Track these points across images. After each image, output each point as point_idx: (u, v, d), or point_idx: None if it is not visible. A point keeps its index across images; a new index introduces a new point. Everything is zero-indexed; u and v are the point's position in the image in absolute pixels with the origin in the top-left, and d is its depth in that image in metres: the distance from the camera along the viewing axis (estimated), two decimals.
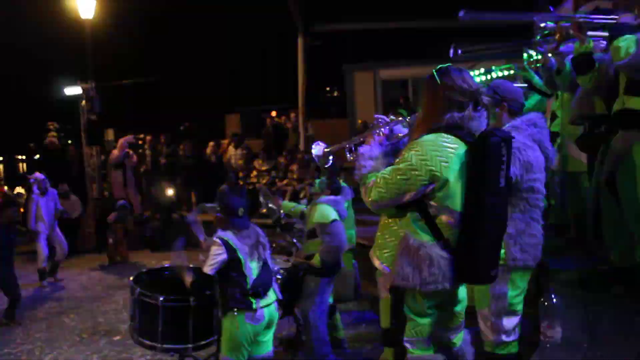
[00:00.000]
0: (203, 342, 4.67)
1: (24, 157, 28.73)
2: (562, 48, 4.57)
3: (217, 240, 4.19)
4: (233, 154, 13.94)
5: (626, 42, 3.69)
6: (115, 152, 12.89)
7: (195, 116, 26.68)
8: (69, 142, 15.51)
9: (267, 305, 4.26)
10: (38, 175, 9.72)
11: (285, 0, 13.05)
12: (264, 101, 22.97)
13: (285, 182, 12.02)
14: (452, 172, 2.58)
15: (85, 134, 12.93)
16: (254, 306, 4.13)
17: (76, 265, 10.61)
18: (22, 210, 11.93)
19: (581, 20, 4.07)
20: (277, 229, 7.13)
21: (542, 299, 3.29)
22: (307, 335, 5.22)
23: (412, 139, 2.74)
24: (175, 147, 13.93)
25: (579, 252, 4.97)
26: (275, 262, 5.16)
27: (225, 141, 15.07)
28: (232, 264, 4.15)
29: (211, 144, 14.46)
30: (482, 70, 5.88)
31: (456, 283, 2.69)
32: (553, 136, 4.99)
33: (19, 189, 15.22)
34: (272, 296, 4.34)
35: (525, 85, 5.71)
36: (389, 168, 2.69)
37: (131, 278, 4.91)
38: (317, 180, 5.34)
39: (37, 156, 14.67)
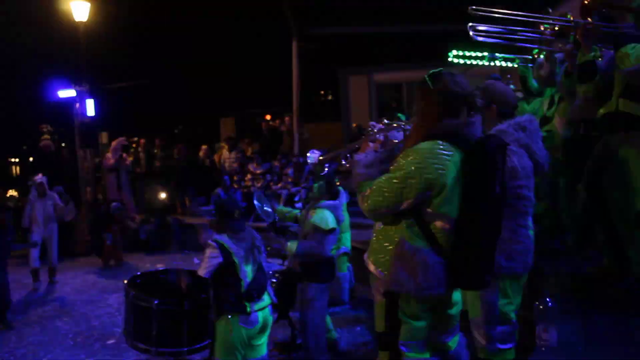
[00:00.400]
0: (197, 346, 4.67)
1: (17, 159, 28.63)
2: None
3: (212, 243, 4.20)
4: (227, 157, 13.94)
5: (635, 50, 3.73)
6: (109, 155, 12.87)
7: (190, 120, 26.72)
8: (63, 145, 15.47)
9: (261, 309, 4.27)
10: (38, 177, 9.73)
11: (279, 4, 13.07)
12: (259, 105, 22.97)
13: (280, 185, 12.02)
14: (449, 180, 2.58)
15: (79, 137, 12.89)
16: (248, 309, 4.15)
17: (70, 268, 10.56)
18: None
19: (588, 27, 4.05)
20: (271, 233, 7.12)
21: (537, 303, 3.29)
22: (305, 342, 5.19)
23: (408, 145, 2.72)
24: (170, 151, 13.92)
25: (574, 256, 4.98)
26: (270, 266, 5.16)
27: (221, 144, 15.08)
28: (227, 267, 4.16)
29: (204, 147, 14.45)
30: (486, 53, 5.83)
31: (451, 288, 2.69)
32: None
33: (12, 192, 15.15)
34: (266, 300, 4.35)
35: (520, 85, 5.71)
36: (385, 176, 2.67)
37: (125, 281, 4.89)
38: (316, 185, 5.30)
39: (31, 159, 14.61)
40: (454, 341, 2.92)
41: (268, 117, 19.53)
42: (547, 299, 3.21)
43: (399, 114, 9.00)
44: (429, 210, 2.62)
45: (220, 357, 4.19)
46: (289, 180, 12.02)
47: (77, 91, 12.70)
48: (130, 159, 13.39)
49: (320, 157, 3.15)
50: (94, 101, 12.96)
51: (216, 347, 4.25)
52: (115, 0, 19.24)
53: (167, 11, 22.78)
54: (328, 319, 5.77)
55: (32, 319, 7.69)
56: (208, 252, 4.20)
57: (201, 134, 21.05)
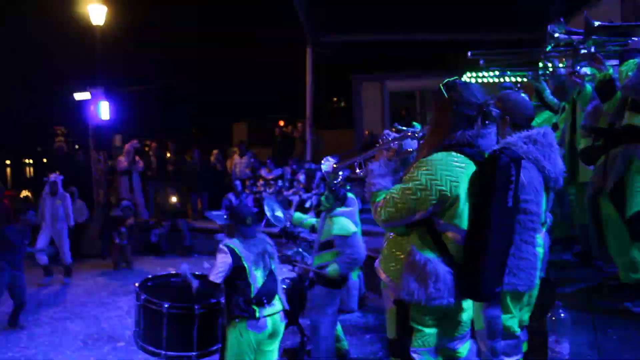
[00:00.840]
0: (207, 351, 4.66)
1: (31, 161, 28.91)
2: (578, 69, 4.60)
3: (224, 247, 4.23)
4: (238, 162, 13.98)
5: (627, 67, 3.82)
6: (122, 158, 12.96)
7: (203, 124, 26.87)
8: (77, 147, 15.60)
9: (272, 315, 4.27)
10: (53, 175, 9.88)
11: (294, 11, 13.12)
12: (272, 110, 23.05)
13: (291, 191, 12.03)
14: (462, 192, 2.56)
15: (93, 140, 12.99)
16: (257, 315, 4.16)
17: (81, 270, 10.61)
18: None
19: (595, 51, 4.10)
20: (282, 239, 7.13)
21: (549, 314, 3.26)
22: (316, 347, 5.20)
23: (421, 156, 2.70)
24: (182, 154, 13.98)
25: (586, 267, 4.95)
26: (281, 272, 5.15)
27: (233, 149, 15.12)
28: (237, 271, 4.20)
29: (215, 152, 14.50)
30: (497, 72, 5.82)
31: (460, 297, 2.67)
32: None
33: (26, 192, 15.29)
34: (277, 306, 4.35)
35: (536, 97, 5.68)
36: (398, 186, 2.66)
37: (137, 284, 4.91)
38: (323, 198, 5.38)
39: (45, 160, 14.74)
40: (464, 348, 2.90)
41: (281, 123, 19.59)
42: (560, 310, 3.18)
43: (414, 122, 8.99)
44: (441, 221, 2.61)
45: None
46: (301, 186, 12.03)
47: (92, 94, 12.81)
48: (143, 162, 13.45)
49: (335, 165, 3.12)
50: (109, 104, 13.07)
51: (226, 351, 4.26)
52: (132, 5, 19.42)
53: (182, 16, 22.95)
54: (339, 328, 5.77)
55: (42, 320, 7.74)
56: (219, 257, 4.23)
57: (214, 139, 21.14)
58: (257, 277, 4.24)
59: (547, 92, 5.53)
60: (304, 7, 13.07)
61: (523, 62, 5.36)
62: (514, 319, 3.19)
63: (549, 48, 4.91)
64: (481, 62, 5.28)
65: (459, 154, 2.59)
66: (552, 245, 3.31)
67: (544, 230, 3.24)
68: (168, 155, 14.31)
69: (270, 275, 4.37)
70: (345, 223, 5.27)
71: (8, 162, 33.79)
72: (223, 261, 4.20)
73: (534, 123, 5.36)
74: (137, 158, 13.07)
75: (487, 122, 2.64)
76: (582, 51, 4.38)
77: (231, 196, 11.90)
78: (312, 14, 13.55)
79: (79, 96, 12.84)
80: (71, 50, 19.20)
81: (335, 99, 28.50)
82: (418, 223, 2.65)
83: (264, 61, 24.34)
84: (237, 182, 12.32)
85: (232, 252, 4.22)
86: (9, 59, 22.68)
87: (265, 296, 4.24)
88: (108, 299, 8.64)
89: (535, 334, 3.50)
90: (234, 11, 22.80)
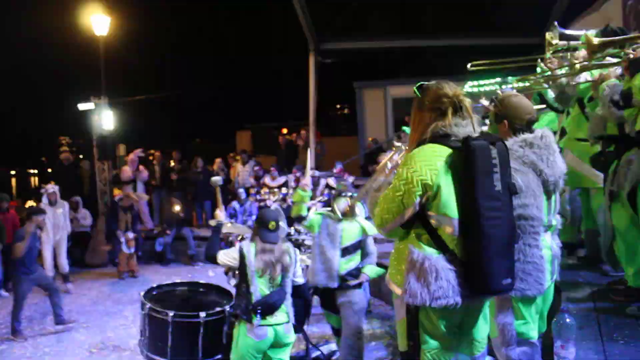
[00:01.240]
0: (212, 358, 4.66)
1: (36, 171, 29.02)
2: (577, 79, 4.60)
3: (238, 247, 4.36)
4: (241, 170, 14.00)
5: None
6: (126, 167, 13.00)
7: (207, 133, 26.95)
8: (81, 156, 15.67)
9: (273, 325, 4.24)
10: (50, 186, 9.94)
11: (297, 19, 13.16)
12: (275, 118, 23.11)
13: None
14: (443, 179, 2.57)
15: (97, 149, 13.04)
16: (253, 321, 4.16)
17: (86, 279, 10.64)
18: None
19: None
20: None
21: (555, 319, 3.24)
22: (356, 352, 5.23)
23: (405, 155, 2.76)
24: (186, 163, 14.01)
25: (592, 271, 4.93)
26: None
27: (239, 157, 15.16)
28: (242, 275, 4.28)
29: (217, 160, 14.52)
30: (499, 79, 5.82)
31: (469, 297, 2.59)
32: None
33: (31, 202, 15.34)
34: (281, 317, 4.29)
35: (539, 99, 5.68)
36: (387, 190, 2.70)
37: (142, 293, 4.92)
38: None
39: (50, 170, 14.80)
40: None
41: (284, 130, 19.62)
42: (565, 315, 3.16)
43: (404, 127, 8.99)
44: (431, 213, 2.60)
45: None
46: None
47: (95, 104, 12.87)
48: (147, 171, 13.48)
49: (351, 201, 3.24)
50: (112, 114, 13.12)
51: (232, 349, 4.30)
52: (135, 15, 19.53)
53: (185, 26, 23.06)
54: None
55: (48, 329, 7.75)
56: (232, 252, 4.37)
57: (218, 147, 21.19)
58: (259, 286, 4.24)
59: (550, 94, 5.52)
60: (306, 15, 13.11)
61: (522, 68, 5.37)
62: (528, 324, 3.13)
63: (548, 55, 4.93)
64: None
65: (435, 145, 2.62)
66: (560, 248, 3.27)
67: (550, 232, 3.20)
68: (172, 164, 14.34)
69: (280, 289, 4.31)
70: (366, 223, 5.45)
71: (13, 172, 33.94)
72: (233, 256, 4.32)
73: (539, 124, 5.39)
74: (141, 167, 13.10)
75: (459, 112, 2.68)
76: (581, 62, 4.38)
77: (235, 204, 11.90)
78: (315, 22, 13.59)
79: (83, 106, 12.91)
80: (75, 60, 19.32)
81: (338, 106, 28.57)
82: (414, 223, 2.65)
83: (267, 69, 24.45)
84: (241, 190, 12.33)
85: (242, 254, 4.27)
86: (13, 70, 22.83)
87: (262, 306, 4.19)
88: (113, 308, 8.64)
89: (541, 339, 3.48)
90: (238, 21, 22.93)
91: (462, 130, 2.64)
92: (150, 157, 14.61)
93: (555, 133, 5.66)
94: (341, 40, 14.28)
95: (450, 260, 2.58)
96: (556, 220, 3.24)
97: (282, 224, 6.36)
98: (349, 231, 5.38)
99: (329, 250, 5.31)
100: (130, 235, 10.88)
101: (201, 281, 5.42)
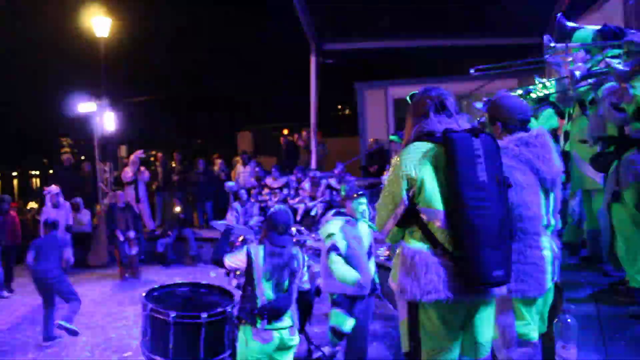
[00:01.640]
0: (214, 359, 4.66)
1: (37, 172, 29.06)
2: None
3: (245, 249, 4.26)
4: (242, 171, 14.01)
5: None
6: (128, 168, 13.02)
7: (208, 134, 26.95)
8: (82, 158, 15.69)
9: (278, 329, 4.17)
10: (52, 188, 9.96)
11: (297, 19, 13.17)
12: (276, 119, 23.12)
13: (296, 200, 12.04)
14: (426, 172, 2.63)
15: (99, 150, 13.06)
16: (258, 325, 4.09)
17: (87, 280, 10.65)
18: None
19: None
20: None
21: (556, 320, 3.24)
22: (363, 353, 5.22)
23: None
24: (188, 164, 14.02)
25: (593, 271, 4.93)
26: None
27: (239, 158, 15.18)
28: (248, 278, 4.19)
29: (218, 161, 14.54)
30: (521, 92, 5.78)
31: (461, 293, 2.60)
32: (565, 155, 5.02)
33: (32, 204, 15.36)
34: (286, 321, 4.23)
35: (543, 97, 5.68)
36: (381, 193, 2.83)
37: (143, 294, 4.92)
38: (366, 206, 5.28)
39: (51, 171, 14.81)
40: None
41: (285, 131, 19.63)
42: (567, 315, 3.16)
43: (392, 137, 9.01)
44: (420, 207, 2.65)
45: None
46: (306, 194, 12.03)
47: (97, 105, 12.89)
48: (148, 172, 13.50)
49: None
50: (114, 115, 13.14)
51: (237, 353, 4.26)
52: (136, 17, 19.55)
53: (186, 27, 23.07)
54: None
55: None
56: (238, 253, 4.28)
57: (219, 148, 21.21)
58: (266, 290, 4.15)
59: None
60: (306, 16, 13.12)
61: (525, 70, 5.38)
62: (529, 325, 3.13)
63: (546, 56, 4.94)
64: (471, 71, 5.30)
65: (419, 142, 2.72)
66: (560, 249, 3.26)
67: (549, 232, 3.20)
68: (173, 165, 14.36)
69: (285, 293, 4.23)
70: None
71: (15, 173, 33.98)
72: (239, 258, 4.24)
73: (538, 121, 5.39)
74: (142, 168, 13.12)
75: (443, 111, 2.78)
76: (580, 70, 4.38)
77: (236, 205, 11.91)
78: (315, 22, 13.60)
79: (84, 108, 12.93)
80: (76, 62, 19.34)
81: (339, 106, 28.58)
82: (408, 221, 2.70)
83: (268, 70, 24.47)
84: (243, 191, 12.34)
85: (249, 257, 4.19)
86: (14, 71, 22.86)
87: (268, 312, 4.12)
88: (115, 309, 8.65)
89: (542, 339, 3.48)
90: (238, 21, 22.94)
91: (443, 127, 2.69)
92: (152, 158, 14.63)
93: (555, 130, 5.67)
94: (342, 41, 14.28)
95: (441, 254, 2.61)
96: (555, 220, 3.24)
97: (293, 228, 6.35)
98: (365, 233, 5.20)
99: (361, 256, 5.03)
100: (132, 234, 10.88)
101: (202, 282, 5.42)
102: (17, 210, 13.72)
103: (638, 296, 4.04)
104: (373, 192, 10.52)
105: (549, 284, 3.14)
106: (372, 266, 5.17)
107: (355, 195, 5.11)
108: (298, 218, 11.37)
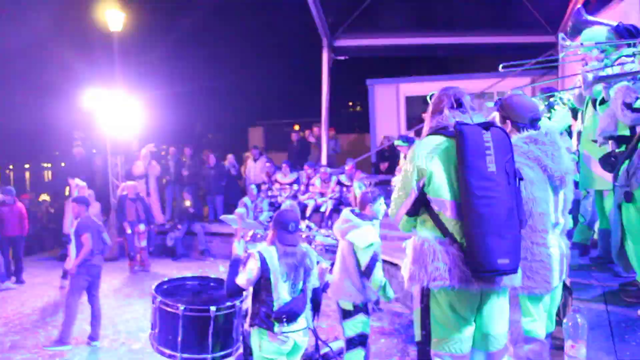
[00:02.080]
0: (222, 353, 4.68)
1: (49, 164, 29.26)
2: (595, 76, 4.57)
3: (256, 254, 4.00)
4: (253, 166, 14.03)
5: None
6: (139, 162, 13.07)
7: (219, 129, 27.00)
8: (94, 151, 15.76)
9: (294, 332, 4.05)
10: (78, 181, 10.09)
11: (310, 15, 13.16)
12: (288, 115, 23.11)
13: (306, 195, 12.04)
14: (436, 164, 2.74)
15: (110, 144, 13.11)
16: (275, 329, 3.96)
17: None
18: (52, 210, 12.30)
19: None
20: None
21: (566, 319, 3.23)
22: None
23: None
24: (199, 159, 14.06)
25: (604, 272, 4.90)
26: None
27: (248, 154, 15.21)
28: (263, 282, 3.96)
29: (229, 156, 14.58)
30: (543, 107, 5.75)
31: (468, 281, 2.66)
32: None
33: (44, 196, 15.49)
34: (301, 323, 4.12)
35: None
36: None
37: (153, 286, 4.94)
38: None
39: (62, 164, 14.90)
40: None
41: (296, 127, 19.63)
42: (576, 315, 3.14)
43: (396, 141, 8.99)
44: (430, 197, 2.75)
45: None
46: (316, 190, 12.03)
47: (109, 99, 12.91)
48: (159, 166, 13.54)
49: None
50: (126, 109, 13.16)
51: (253, 356, 4.16)
52: (149, 11, 19.60)
53: (198, 21, 23.10)
54: None
55: (60, 321, 7.80)
56: (249, 262, 3.99)
57: (230, 143, 21.24)
58: (283, 293, 3.98)
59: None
60: (319, 12, 13.10)
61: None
62: (535, 322, 3.15)
63: (561, 55, 4.92)
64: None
65: (433, 136, 2.84)
66: (570, 249, 3.26)
67: (557, 230, 3.20)
68: (184, 159, 14.40)
69: (301, 293, 4.08)
70: None
71: (27, 165, 34.22)
72: (252, 267, 3.95)
73: (553, 119, 5.36)
74: (153, 162, 13.16)
75: (458, 107, 2.86)
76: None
77: (247, 200, 11.94)
78: (328, 18, 13.58)
79: (96, 101, 12.96)
80: (89, 55, 19.43)
81: (350, 103, 28.54)
82: (419, 210, 2.82)
83: (280, 66, 24.45)
84: (253, 187, 12.36)
85: (263, 260, 3.95)
86: (27, 64, 23.01)
87: (287, 315, 3.96)
88: (124, 302, 8.71)
89: (551, 339, 3.47)
90: (250, 16, 22.94)
91: (461, 121, 2.77)
92: (163, 153, 14.67)
93: (570, 127, 5.64)
94: (354, 37, 14.25)
95: (450, 243, 2.70)
96: (564, 219, 3.24)
97: (302, 224, 6.32)
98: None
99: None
100: (141, 228, 10.93)
101: (212, 276, 5.44)
102: (29, 202, 13.87)
103: None
104: (383, 190, 10.52)
105: (556, 282, 3.16)
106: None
107: (374, 198, 5.03)
108: (308, 214, 11.39)
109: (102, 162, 13.71)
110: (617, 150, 4.38)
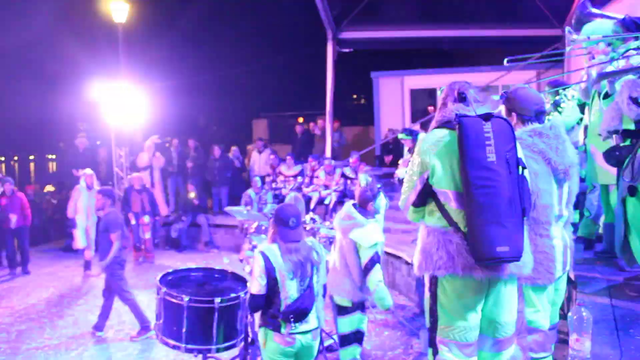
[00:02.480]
0: (226, 344, 4.69)
1: (54, 156, 29.33)
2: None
3: (259, 255, 3.84)
4: (257, 158, 14.03)
5: None
6: (143, 154, 13.08)
7: (223, 121, 27.00)
8: (98, 142, 15.78)
9: (302, 332, 3.86)
10: (87, 170, 10.20)
11: (315, 7, 13.11)
12: (292, 107, 23.08)
13: (310, 188, 12.04)
14: (439, 156, 2.80)
15: (115, 135, 13.13)
16: (282, 330, 3.80)
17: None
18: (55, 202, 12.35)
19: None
20: None
21: (570, 313, 3.23)
22: None
23: None
24: (203, 151, 14.06)
25: (609, 266, 4.89)
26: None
27: (251, 147, 15.21)
28: (270, 282, 3.80)
29: (233, 148, 14.57)
30: (549, 106, 5.73)
31: (471, 270, 2.71)
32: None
33: (49, 187, 15.53)
34: (312, 322, 3.92)
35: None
36: None
37: (157, 278, 4.96)
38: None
39: (67, 156, 14.92)
40: (506, 353, 2.91)
41: (301, 119, 19.61)
42: (581, 309, 3.14)
43: (400, 135, 8.96)
44: (435, 189, 2.83)
45: None
46: (320, 183, 12.03)
47: (114, 90, 12.92)
48: (163, 158, 13.55)
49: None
50: (131, 100, 13.16)
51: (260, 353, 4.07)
52: (154, 3, 19.57)
53: (203, 13, 23.06)
54: None
55: (65, 312, 7.86)
56: (255, 266, 3.84)
57: (234, 135, 21.24)
58: (290, 291, 3.80)
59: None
60: (324, 4, 13.06)
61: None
62: (539, 312, 3.18)
63: (568, 49, 4.90)
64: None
65: (437, 129, 2.91)
66: (575, 243, 3.27)
67: (560, 222, 3.22)
68: (187, 151, 14.40)
69: (308, 290, 3.86)
70: None
71: (32, 157, 34.36)
72: (258, 270, 3.78)
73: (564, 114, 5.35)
74: (157, 154, 13.18)
75: (462, 101, 2.91)
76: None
77: (251, 193, 11.95)
78: (333, 10, 13.53)
79: (101, 93, 12.97)
80: (94, 47, 19.43)
81: (355, 95, 28.49)
82: (426, 201, 2.90)
83: (284, 58, 24.41)
84: (257, 179, 12.37)
85: (267, 259, 3.78)
86: (31, 56, 23.04)
87: (294, 314, 3.78)
88: None
89: (556, 333, 3.47)
90: (255, 8, 22.89)
91: (463, 114, 2.82)
92: (167, 145, 14.68)
93: (581, 120, 5.63)
94: (359, 29, 14.20)
95: (454, 232, 2.78)
96: (568, 212, 3.26)
97: (303, 217, 6.28)
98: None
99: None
100: (145, 219, 10.94)
101: (216, 267, 5.45)
102: (34, 193, 13.91)
103: None
104: (387, 182, 10.51)
105: (559, 273, 3.20)
106: None
107: (376, 193, 4.98)
108: (312, 206, 11.39)
109: (107, 153, 13.73)
110: (621, 144, 4.36)
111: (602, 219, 5.44)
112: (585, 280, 4.53)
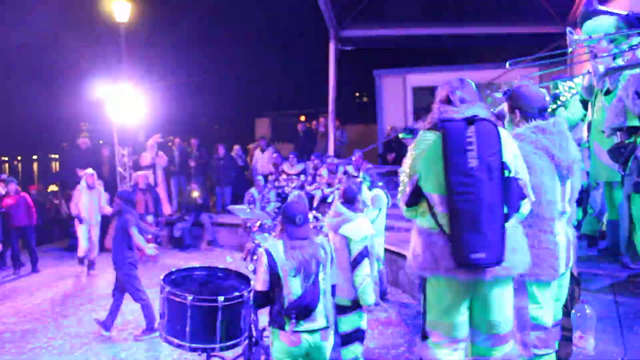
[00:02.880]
0: (230, 343, 4.69)
1: (57, 156, 29.37)
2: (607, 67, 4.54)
3: (263, 251, 3.88)
4: (260, 157, 14.03)
5: None
6: (146, 153, 13.09)
7: (225, 120, 27.01)
8: (101, 142, 15.80)
9: (309, 332, 3.82)
10: (89, 170, 10.24)
11: (317, 5, 13.10)
12: (294, 105, 23.08)
13: (313, 186, 12.04)
14: (425, 160, 2.84)
15: (117, 135, 13.14)
16: (286, 328, 3.78)
17: (105, 263, 10.74)
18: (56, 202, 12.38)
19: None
20: None
21: (574, 310, 3.23)
22: None
23: None
24: (205, 150, 14.07)
25: (612, 263, 4.89)
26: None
27: (251, 146, 15.21)
28: (274, 279, 3.81)
29: (236, 147, 14.58)
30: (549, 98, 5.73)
31: (455, 271, 2.75)
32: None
33: (53, 187, 15.55)
34: (320, 321, 3.86)
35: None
36: None
37: (161, 277, 4.96)
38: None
39: (69, 155, 14.95)
40: (500, 350, 2.92)
41: (303, 118, 19.60)
42: (585, 306, 3.14)
43: (402, 134, 8.96)
44: (423, 190, 2.87)
45: None
46: (323, 181, 12.02)
47: (116, 90, 12.93)
48: (166, 157, 13.56)
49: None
50: (133, 100, 13.17)
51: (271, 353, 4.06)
52: (156, 2, 19.58)
53: (205, 12, 23.06)
54: None
55: (69, 311, 7.89)
56: (259, 263, 3.87)
57: (236, 134, 21.25)
58: (294, 288, 3.78)
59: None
60: (326, 2, 13.04)
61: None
62: (542, 309, 3.18)
63: (570, 50, 4.89)
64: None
65: (426, 132, 2.92)
66: (579, 240, 3.26)
67: (564, 218, 3.22)
68: (190, 150, 14.41)
69: (312, 287, 3.82)
70: None
71: (35, 157, 34.41)
72: (262, 267, 3.82)
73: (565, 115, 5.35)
74: (160, 153, 13.19)
75: (451, 103, 2.90)
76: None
77: (254, 191, 11.95)
78: (335, 8, 13.51)
79: (103, 92, 12.98)
80: (96, 47, 19.45)
81: (357, 94, 28.47)
82: (417, 203, 2.93)
83: (286, 56, 24.41)
84: (260, 177, 12.37)
85: (270, 256, 3.80)
86: (34, 56, 23.07)
87: (296, 310, 3.76)
88: None
89: (560, 329, 3.47)
90: (257, 7, 22.87)
91: (449, 117, 2.84)
92: (169, 144, 14.69)
93: (584, 117, 5.62)
94: (361, 27, 14.18)
95: (439, 234, 2.81)
96: (571, 208, 3.27)
97: (310, 214, 6.28)
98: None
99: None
100: (149, 219, 10.95)
101: (219, 266, 5.46)
102: (37, 193, 13.94)
103: None
104: (390, 180, 10.50)
105: (563, 269, 3.20)
106: None
107: (370, 187, 5.00)
108: (315, 204, 11.39)
109: (110, 153, 13.75)
110: (626, 141, 4.35)
111: (605, 216, 5.44)
112: (589, 277, 4.53)
